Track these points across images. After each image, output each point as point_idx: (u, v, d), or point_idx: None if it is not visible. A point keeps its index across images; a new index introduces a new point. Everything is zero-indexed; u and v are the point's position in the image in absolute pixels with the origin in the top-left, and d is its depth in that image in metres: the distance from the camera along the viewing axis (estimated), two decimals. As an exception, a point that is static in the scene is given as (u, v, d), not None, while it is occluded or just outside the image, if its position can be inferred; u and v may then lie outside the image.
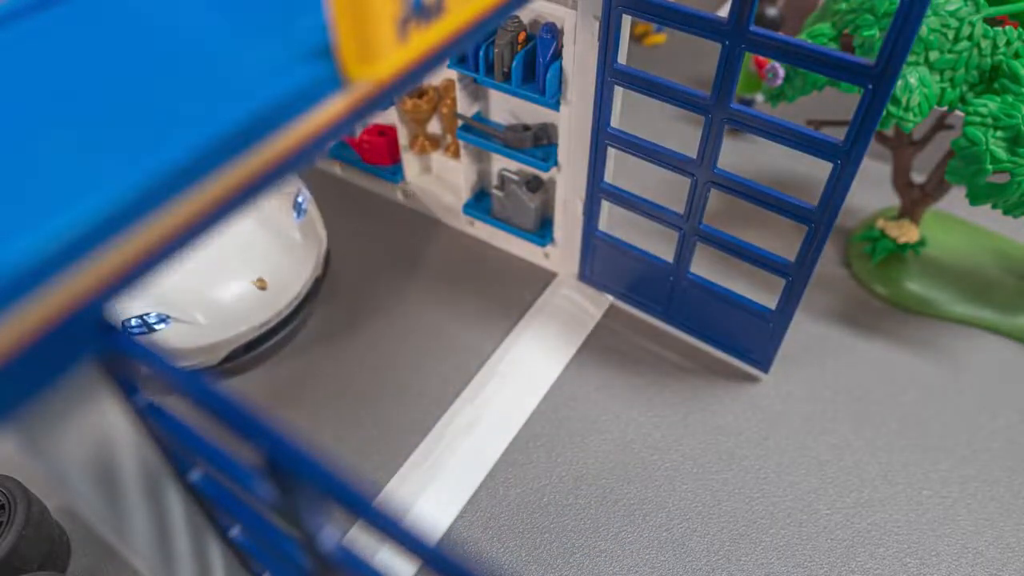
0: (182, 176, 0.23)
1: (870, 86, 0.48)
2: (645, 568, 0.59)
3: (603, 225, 0.71)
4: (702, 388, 0.70)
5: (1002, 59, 0.60)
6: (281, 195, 0.74)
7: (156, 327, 0.64)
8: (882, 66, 0.47)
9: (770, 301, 0.65)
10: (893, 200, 0.83)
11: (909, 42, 0.45)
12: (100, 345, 0.24)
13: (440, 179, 0.85)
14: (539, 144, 0.70)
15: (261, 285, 0.68)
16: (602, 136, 0.63)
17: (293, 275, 0.70)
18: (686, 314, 0.72)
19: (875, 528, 0.61)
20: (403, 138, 0.81)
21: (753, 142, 0.93)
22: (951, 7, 0.59)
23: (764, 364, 0.70)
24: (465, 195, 0.80)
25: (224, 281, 0.67)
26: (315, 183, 0.84)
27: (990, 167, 0.59)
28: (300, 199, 0.75)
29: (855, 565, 0.59)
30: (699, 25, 0.52)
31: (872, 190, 0.85)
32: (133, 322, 0.64)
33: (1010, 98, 0.59)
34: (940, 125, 0.71)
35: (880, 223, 0.78)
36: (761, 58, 0.80)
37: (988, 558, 0.59)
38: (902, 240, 0.77)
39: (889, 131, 0.72)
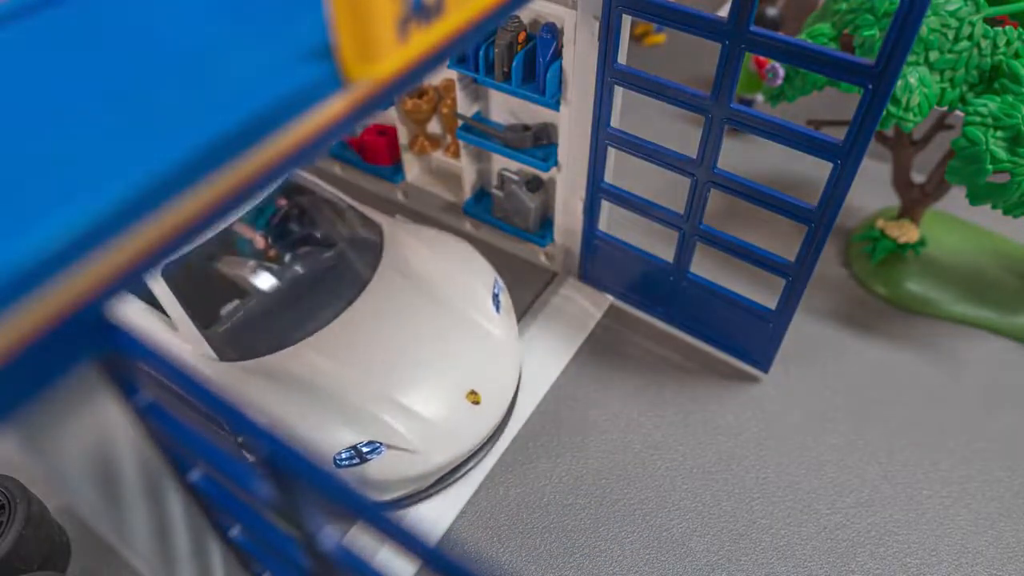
0: (182, 176, 0.23)
1: (870, 86, 0.48)
2: (645, 568, 0.59)
3: (603, 225, 0.71)
4: (702, 388, 0.70)
5: (1002, 59, 0.60)
6: (477, 287, 0.66)
7: (369, 457, 0.56)
8: (882, 66, 0.47)
9: (770, 301, 0.65)
10: (893, 200, 0.83)
11: (909, 42, 0.45)
12: (100, 345, 0.24)
13: (440, 179, 0.85)
14: (539, 144, 0.70)
15: (474, 399, 0.60)
16: (602, 136, 0.63)
17: (503, 381, 0.63)
18: (686, 314, 0.72)
19: (875, 528, 0.61)
20: (403, 138, 0.81)
21: (753, 142, 0.93)
22: (951, 7, 0.59)
23: (764, 364, 0.70)
24: (465, 195, 0.80)
25: (435, 398, 0.59)
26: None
27: (990, 167, 0.59)
28: (496, 290, 0.67)
29: (855, 565, 0.59)
30: (699, 25, 0.52)
31: (872, 190, 0.85)
32: (343, 454, 0.56)
33: (1010, 98, 0.58)
34: (940, 125, 0.71)
35: (880, 223, 0.78)
36: (761, 58, 0.80)
37: (988, 558, 0.59)
38: (902, 240, 0.77)
39: (889, 131, 0.72)
